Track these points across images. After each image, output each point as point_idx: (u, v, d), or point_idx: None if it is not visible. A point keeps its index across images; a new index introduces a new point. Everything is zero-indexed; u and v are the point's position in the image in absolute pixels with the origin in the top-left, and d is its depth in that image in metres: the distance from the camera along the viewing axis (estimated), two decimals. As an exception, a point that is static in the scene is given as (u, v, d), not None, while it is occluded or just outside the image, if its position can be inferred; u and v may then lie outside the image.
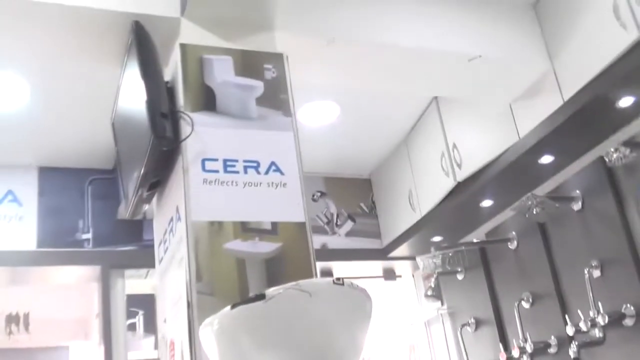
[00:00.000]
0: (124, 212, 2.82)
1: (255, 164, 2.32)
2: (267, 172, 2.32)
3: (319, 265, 4.40)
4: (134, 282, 4.04)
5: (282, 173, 2.34)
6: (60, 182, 3.99)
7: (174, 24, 2.53)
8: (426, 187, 4.04)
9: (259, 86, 2.47)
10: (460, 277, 4.35)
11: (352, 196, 4.65)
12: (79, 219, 3.94)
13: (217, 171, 2.26)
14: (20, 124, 3.62)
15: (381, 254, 4.55)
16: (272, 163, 2.35)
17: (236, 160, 2.30)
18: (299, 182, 2.35)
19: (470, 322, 4.23)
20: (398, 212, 4.36)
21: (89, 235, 3.91)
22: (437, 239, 4.27)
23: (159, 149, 2.25)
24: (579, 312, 3.28)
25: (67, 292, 4.14)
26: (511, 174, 3.45)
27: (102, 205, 4.00)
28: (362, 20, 2.88)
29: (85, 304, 4.08)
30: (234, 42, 2.53)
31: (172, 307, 2.32)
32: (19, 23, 2.41)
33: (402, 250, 4.43)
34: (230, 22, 2.56)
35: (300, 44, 2.74)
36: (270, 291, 1.65)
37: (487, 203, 3.79)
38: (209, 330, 1.72)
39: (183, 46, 2.46)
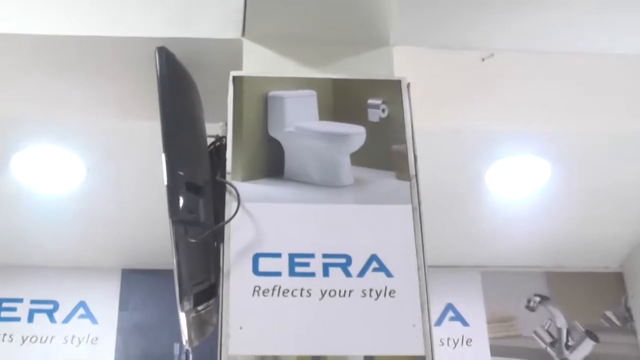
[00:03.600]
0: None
1: (343, 261, 1.56)
2: (362, 273, 1.55)
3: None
4: None
5: (388, 274, 1.56)
6: (147, 289, 3.14)
7: (234, 47, 1.72)
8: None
9: (357, 134, 1.71)
10: None
11: (591, 300, 3.39)
12: (175, 341, 3.04)
13: (277, 274, 1.53)
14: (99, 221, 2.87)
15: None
16: (373, 257, 1.57)
17: (311, 256, 1.56)
18: (417, 288, 1.53)
19: None
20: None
21: (190, 365, 3.04)
22: None
23: (184, 240, 1.43)
24: None
25: None
26: None
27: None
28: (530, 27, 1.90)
29: None
30: (319, 69, 1.69)
31: None
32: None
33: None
34: (314, 41, 1.73)
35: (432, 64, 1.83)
36: None
37: None
38: None
39: (238, 80, 1.65)
